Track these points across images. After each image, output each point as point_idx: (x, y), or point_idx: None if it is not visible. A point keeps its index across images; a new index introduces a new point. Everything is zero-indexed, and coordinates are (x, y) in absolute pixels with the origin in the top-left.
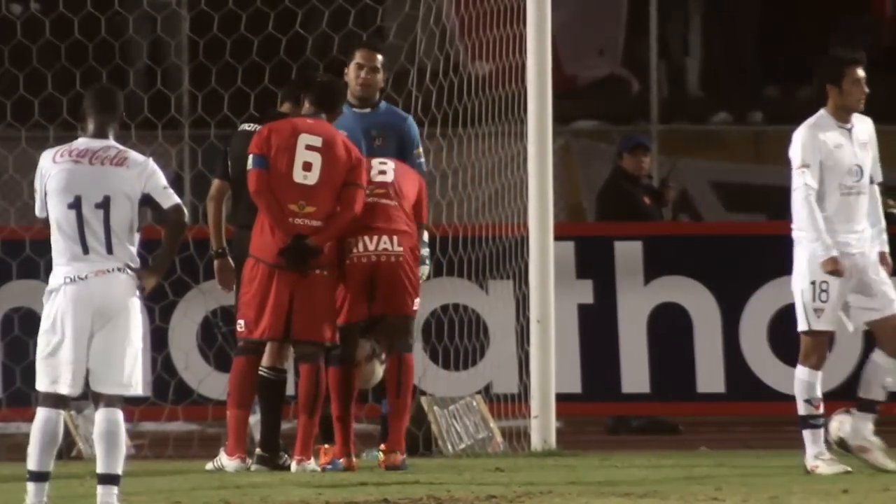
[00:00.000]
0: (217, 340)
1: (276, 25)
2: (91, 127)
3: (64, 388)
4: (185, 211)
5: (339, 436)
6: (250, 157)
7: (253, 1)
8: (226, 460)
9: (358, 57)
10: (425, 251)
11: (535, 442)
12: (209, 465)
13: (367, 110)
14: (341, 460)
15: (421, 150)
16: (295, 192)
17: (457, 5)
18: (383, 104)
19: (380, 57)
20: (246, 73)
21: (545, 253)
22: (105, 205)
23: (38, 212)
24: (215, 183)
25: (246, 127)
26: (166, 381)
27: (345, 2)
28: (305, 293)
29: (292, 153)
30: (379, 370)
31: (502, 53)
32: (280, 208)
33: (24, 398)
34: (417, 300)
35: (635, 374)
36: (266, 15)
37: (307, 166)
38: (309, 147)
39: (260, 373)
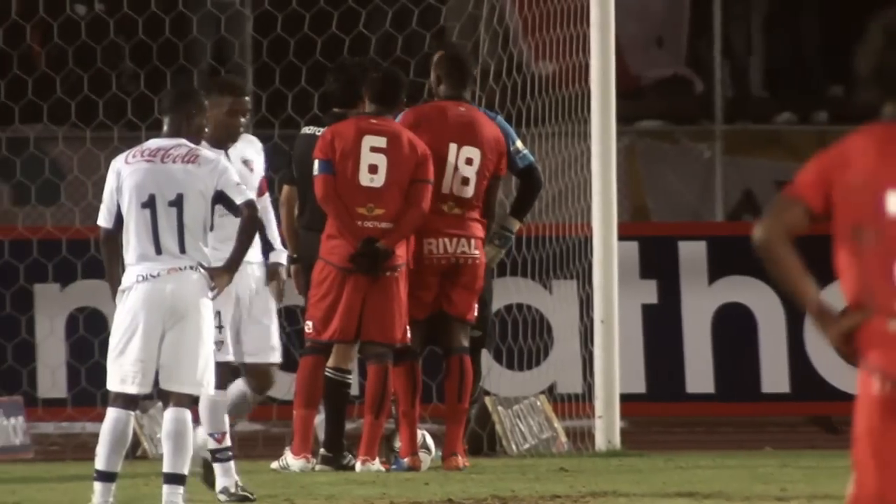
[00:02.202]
0: (282, 340)
1: (339, 25)
2: (164, 127)
3: (133, 388)
4: (258, 207)
5: (404, 433)
6: (316, 163)
7: (317, 1)
8: (291, 460)
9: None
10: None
11: (600, 442)
12: (274, 465)
13: None
14: (406, 459)
15: (519, 143)
16: (362, 196)
17: (520, 5)
18: (482, 109)
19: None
20: (310, 73)
21: (609, 253)
22: (178, 203)
23: (102, 220)
24: (284, 189)
25: (307, 130)
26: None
27: (408, 1)
28: (377, 295)
29: (357, 156)
30: (427, 460)
31: (566, 53)
32: (348, 213)
33: (89, 398)
34: (476, 305)
35: (700, 375)
36: (330, 15)
37: (373, 169)
38: (374, 149)
39: (325, 373)
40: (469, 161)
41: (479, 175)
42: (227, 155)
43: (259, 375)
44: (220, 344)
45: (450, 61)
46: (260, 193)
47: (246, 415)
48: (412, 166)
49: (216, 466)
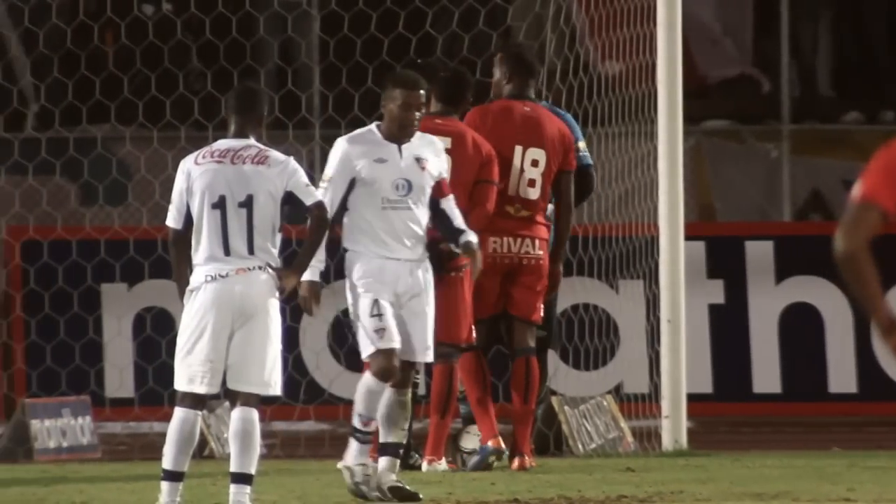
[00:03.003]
0: (348, 340)
1: (406, 25)
2: (232, 127)
3: (202, 388)
4: (328, 208)
5: (481, 420)
6: None
7: (383, 1)
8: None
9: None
10: None
11: (666, 442)
12: (341, 465)
13: None
14: (489, 443)
15: (582, 144)
16: None
17: (586, 5)
18: (544, 103)
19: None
20: (376, 73)
21: (676, 252)
22: (248, 204)
23: (171, 221)
24: None
25: None
26: (297, 381)
27: (475, 1)
28: (442, 295)
29: None
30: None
31: (632, 53)
32: None
33: (156, 398)
34: (541, 306)
35: (766, 374)
36: (396, 14)
37: None
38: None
39: None
40: (535, 163)
41: (545, 176)
42: (399, 150)
43: (401, 371)
44: (381, 332)
45: (514, 59)
46: (441, 194)
47: (403, 424)
48: (476, 167)
49: (352, 443)
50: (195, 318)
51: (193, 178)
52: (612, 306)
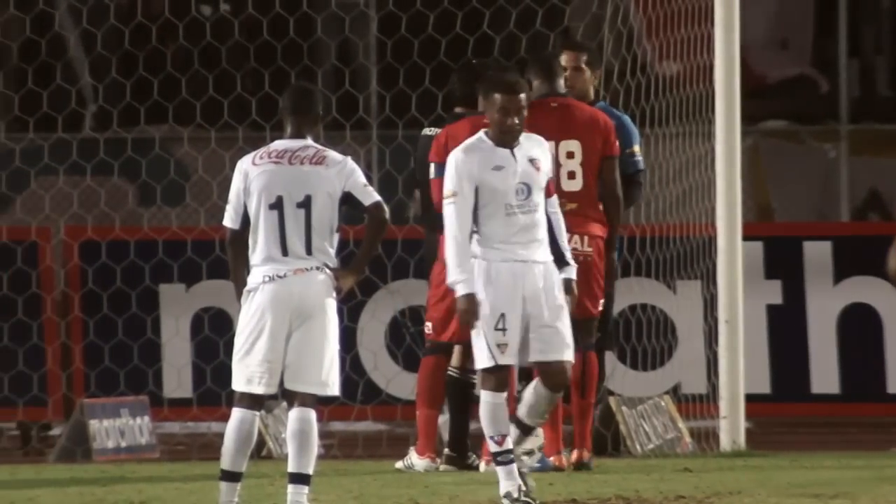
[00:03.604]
0: (405, 340)
1: (463, 26)
2: (288, 128)
3: (259, 388)
4: (386, 208)
5: (547, 433)
6: (431, 166)
7: (441, 1)
8: (416, 460)
9: (562, 59)
10: None
11: (724, 442)
12: (399, 465)
13: None
14: (551, 458)
15: (637, 148)
16: None
17: (644, 5)
18: (601, 104)
19: (584, 56)
20: (433, 73)
21: (733, 253)
22: (306, 204)
23: (228, 221)
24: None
25: (428, 131)
26: (355, 381)
27: (532, 2)
28: None
29: None
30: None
31: (690, 53)
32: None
33: (214, 398)
34: (602, 301)
35: (825, 375)
36: (454, 15)
37: None
38: None
39: (449, 373)
40: (570, 154)
41: (585, 166)
42: (513, 154)
43: (552, 374)
44: (503, 347)
45: (536, 62)
46: (548, 195)
47: (545, 415)
48: None
49: (498, 470)
50: (253, 318)
51: (251, 178)
52: (669, 307)
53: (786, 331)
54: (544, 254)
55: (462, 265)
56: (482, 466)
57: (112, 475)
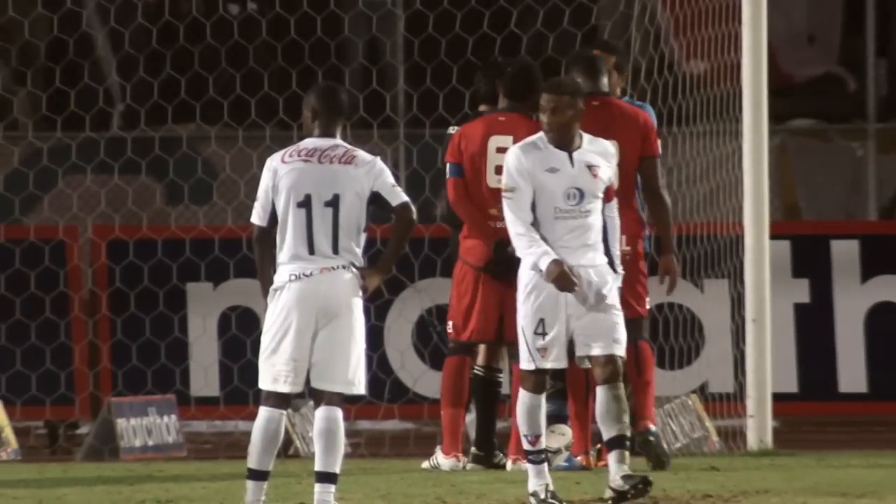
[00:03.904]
0: (432, 339)
1: (490, 25)
2: (317, 126)
3: (285, 387)
4: (414, 208)
5: (575, 432)
6: (447, 166)
7: (468, 0)
8: (441, 459)
9: None
10: None
11: (751, 441)
12: (425, 464)
13: None
14: (578, 458)
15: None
16: (492, 197)
17: (671, 4)
18: (626, 99)
19: (612, 58)
20: (461, 72)
21: (761, 252)
22: (334, 203)
23: (256, 218)
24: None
25: (453, 130)
26: (382, 380)
27: (560, 0)
28: (514, 294)
29: (484, 157)
30: (569, 433)
31: (717, 52)
32: (480, 215)
33: (241, 396)
34: (648, 299)
35: (852, 374)
36: (481, 14)
37: (499, 170)
38: (500, 149)
39: (475, 372)
40: None
41: (623, 165)
42: (570, 158)
43: (600, 366)
44: (543, 351)
45: (580, 60)
46: (607, 199)
47: (623, 417)
48: None
49: (529, 468)
50: (279, 317)
51: (280, 176)
52: (696, 305)
53: (813, 330)
54: (594, 258)
55: (533, 247)
56: (509, 465)
57: (139, 474)
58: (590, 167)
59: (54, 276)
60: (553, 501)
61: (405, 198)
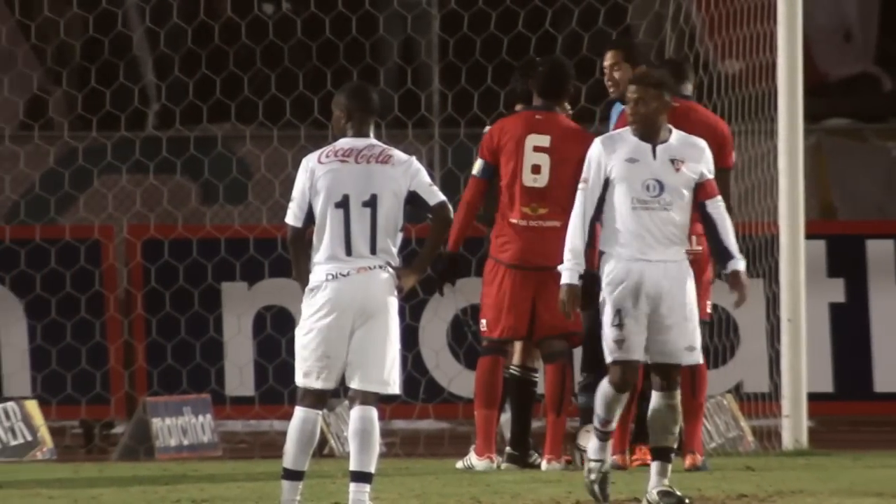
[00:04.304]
0: (467, 339)
1: (525, 24)
2: (351, 126)
3: (318, 383)
4: (451, 207)
5: (617, 433)
6: (477, 161)
7: (503, 0)
8: (475, 460)
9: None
10: None
11: (787, 441)
12: (459, 464)
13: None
14: (615, 457)
15: None
16: (526, 196)
17: (706, 3)
18: None
19: (621, 53)
20: (495, 71)
21: (796, 251)
22: (372, 203)
23: (292, 218)
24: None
25: (487, 130)
26: (417, 380)
27: (595, 0)
28: (546, 292)
29: (520, 156)
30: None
31: (752, 51)
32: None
33: (276, 396)
34: (709, 302)
35: (888, 373)
36: (516, 14)
37: (536, 169)
38: (537, 148)
39: (510, 371)
40: None
41: None
42: (653, 150)
43: (662, 375)
44: (621, 343)
45: (665, 64)
46: (705, 195)
47: (677, 423)
48: (578, 164)
49: (592, 439)
50: (315, 315)
51: (317, 176)
52: (732, 305)
53: (848, 329)
54: (675, 253)
55: (572, 251)
56: (544, 465)
57: (174, 473)
58: (673, 161)
59: (90, 275)
60: (596, 487)
61: (442, 197)
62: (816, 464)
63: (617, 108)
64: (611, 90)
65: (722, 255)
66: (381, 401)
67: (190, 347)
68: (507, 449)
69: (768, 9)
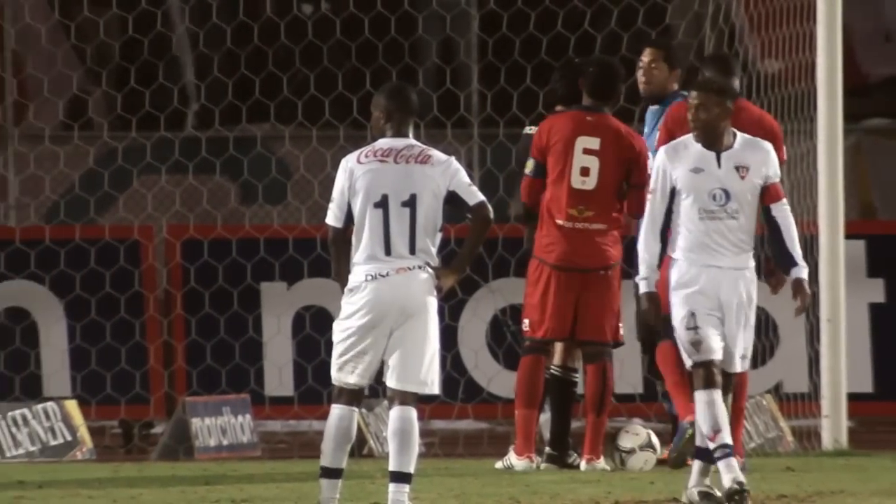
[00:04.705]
0: (506, 339)
1: (564, 24)
2: (390, 127)
3: (352, 378)
4: (490, 207)
5: (680, 400)
6: (528, 161)
7: (542, 0)
8: (514, 460)
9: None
10: None
11: (826, 441)
12: (499, 465)
13: (656, 107)
14: (687, 418)
15: None
16: (574, 198)
17: (745, 3)
18: (680, 98)
19: (661, 53)
20: (535, 72)
21: (835, 251)
22: (411, 203)
23: (331, 219)
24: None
25: (528, 130)
26: (456, 380)
27: (634, 0)
28: (590, 294)
29: (570, 158)
30: (653, 459)
31: (792, 51)
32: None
33: (315, 396)
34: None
35: None
36: (555, 14)
37: (585, 171)
38: (587, 151)
39: (551, 371)
40: None
41: None
42: (717, 159)
43: (726, 376)
44: (698, 345)
45: (711, 61)
46: (770, 199)
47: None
48: (625, 168)
49: (720, 464)
50: (354, 316)
51: (356, 176)
52: (771, 305)
53: (888, 329)
54: (743, 261)
55: (646, 262)
56: (583, 465)
57: (214, 473)
58: (738, 168)
59: (129, 275)
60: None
61: (481, 197)
62: (856, 464)
63: (652, 111)
64: (643, 87)
65: (785, 260)
66: (421, 401)
67: (229, 347)
68: (546, 449)
69: (808, 9)
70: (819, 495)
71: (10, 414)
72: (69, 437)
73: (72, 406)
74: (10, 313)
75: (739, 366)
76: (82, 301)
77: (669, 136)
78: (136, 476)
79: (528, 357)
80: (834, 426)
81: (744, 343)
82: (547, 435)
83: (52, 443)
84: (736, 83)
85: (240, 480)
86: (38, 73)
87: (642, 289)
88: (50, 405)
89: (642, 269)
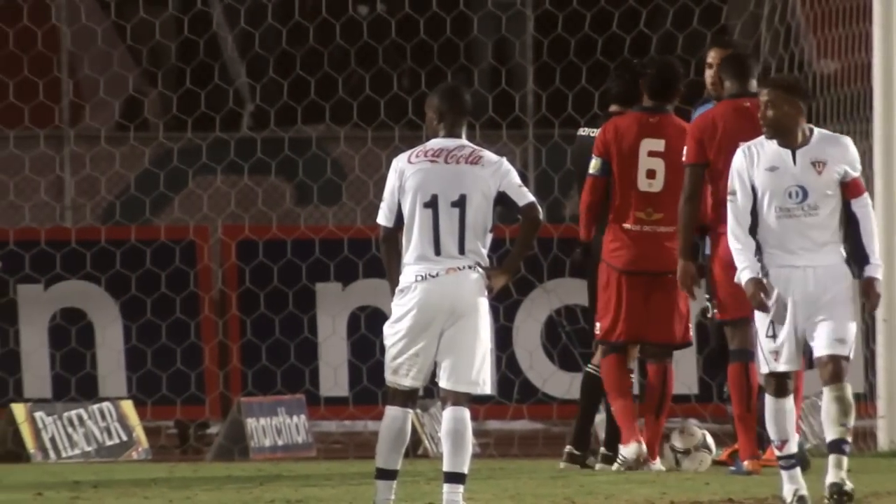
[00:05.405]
0: (561, 340)
1: (620, 24)
2: (443, 127)
3: (406, 381)
4: (540, 209)
5: (741, 436)
6: (592, 160)
7: (598, 0)
8: (623, 449)
9: (709, 56)
10: None
11: (882, 442)
12: (614, 467)
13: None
14: (745, 463)
15: None
16: (641, 200)
17: (802, 3)
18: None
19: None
20: (590, 72)
21: (891, 251)
22: (461, 203)
23: (382, 219)
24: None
25: (583, 132)
26: (511, 380)
27: (689, 0)
28: (658, 296)
29: (635, 160)
30: (707, 460)
31: (848, 51)
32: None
33: (370, 396)
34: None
35: None
36: (610, 14)
37: (651, 174)
38: (652, 153)
39: (588, 370)
40: None
41: None
42: (793, 156)
43: (821, 368)
44: (776, 354)
45: (730, 61)
46: (851, 194)
47: (846, 417)
48: None
49: (782, 473)
50: (405, 316)
51: (406, 176)
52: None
53: None
54: (824, 258)
55: (744, 257)
56: (598, 466)
57: (269, 473)
58: (815, 164)
59: (185, 276)
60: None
61: (531, 198)
62: None
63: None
64: (711, 87)
65: (860, 258)
66: (475, 401)
67: (284, 348)
68: (602, 449)
69: (864, 9)
70: (875, 496)
71: (66, 414)
72: (125, 438)
73: (127, 406)
74: (67, 314)
75: (839, 349)
76: (138, 301)
77: (698, 145)
78: (192, 476)
79: (609, 357)
80: (890, 427)
81: (836, 329)
82: (602, 435)
83: (108, 443)
84: (753, 84)
85: (295, 481)
86: (94, 74)
87: (745, 276)
88: (106, 405)
89: (740, 261)
